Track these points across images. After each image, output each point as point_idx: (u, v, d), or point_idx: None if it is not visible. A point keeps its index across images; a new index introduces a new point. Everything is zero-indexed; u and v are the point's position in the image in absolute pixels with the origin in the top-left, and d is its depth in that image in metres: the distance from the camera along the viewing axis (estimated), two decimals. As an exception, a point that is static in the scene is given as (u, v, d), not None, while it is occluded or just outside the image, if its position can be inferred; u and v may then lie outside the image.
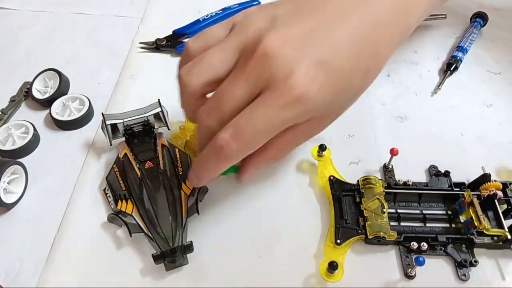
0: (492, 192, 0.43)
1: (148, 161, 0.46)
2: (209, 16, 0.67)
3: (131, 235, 0.42)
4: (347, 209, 0.44)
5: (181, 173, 0.46)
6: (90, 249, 0.44)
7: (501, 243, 0.42)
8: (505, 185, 0.45)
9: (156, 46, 0.63)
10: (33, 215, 0.46)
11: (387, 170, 0.48)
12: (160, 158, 0.46)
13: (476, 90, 0.58)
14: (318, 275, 0.40)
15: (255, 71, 0.33)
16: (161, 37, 0.64)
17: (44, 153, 0.52)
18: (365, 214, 0.43)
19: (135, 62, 0.62)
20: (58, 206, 0.47)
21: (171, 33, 0.65)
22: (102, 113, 0.49)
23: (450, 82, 0.59)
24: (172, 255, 0.40)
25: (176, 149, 0.49)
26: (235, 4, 0.69)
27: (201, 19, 0.66)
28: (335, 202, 0.45)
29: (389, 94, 0.58)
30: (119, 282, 0.42)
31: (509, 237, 0.41)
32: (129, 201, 0.44)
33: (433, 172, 0.48)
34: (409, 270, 0.41)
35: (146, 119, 0.49)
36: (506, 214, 0.43)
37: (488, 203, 0.43)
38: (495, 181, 0.44)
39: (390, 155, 0.47)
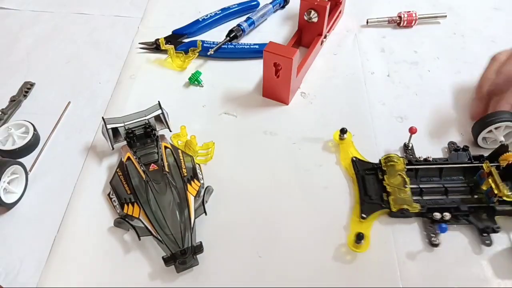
0: (510, 162, 0.44)
1: (153, 164, 0.46)
2: (208, 16, 0.67)
3: (139, 238, 0.42)
4: (370, 186, 0.46)
5: (185, 174, 0.46)
6: (91, 249, 0.44)
7: None
8: None
9: (156, 46, 0.63)
10: (33, 215, 0.46)
11: (407, 148, 0.50)
12: (165, 160, 0.46)
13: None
14: (347, 246, 0.43)
15: None
16: (161, 37, 0.64)
17: (44, 153, 0.52)
18: (388, 190, 0.45)
19: (135, 62, 0.62)
20: (58, 206, 0.47)
21: (171, 33, 0.65)
22: (103, 118, 0.49)
23: (451, 82, 0.59)
24: (182, 256, 0.40)
25: (179, 151, 0.49)
26: (234, 4, 0.69)
27: (200, 19, 0.66)
28: (358, 181, 0.47)
29: (389, 94, 0.58)
30: (121, 283, 0.42)
31: None
32: (135, 204, 0.44)
33: (452, 147, 0.50)
34: (432, 239, 0.42)
35: (147, 122, 0.49)
36: None
37: (507, 173, 0.44)
38: None
39: (409, 134, 0.49)
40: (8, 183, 0.46)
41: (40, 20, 0.69)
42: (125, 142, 0.49)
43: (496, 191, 0.43)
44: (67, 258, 0.43)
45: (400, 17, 0.66)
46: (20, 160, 0.49)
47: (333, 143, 0.52)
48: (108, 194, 0.47)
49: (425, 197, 0.46)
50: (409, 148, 0.50)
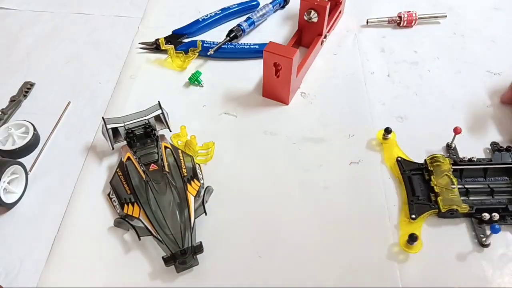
0: None
1: (153, 164, 0.46)
2: (208, 16, 0.67)
3: (139, 238, 0.42)
4: (417, 186, 0.46)
5: (185, 174, 0.46)
6: (91, 249, 0.44)
7: None
8: None
9: (156, 46, 0.63)
10: (33, 215, 0.46)
11: (450, 148, 0.50)
12: (165, 160, 0.46)
13: (476, 90, 0.58)
14: (399, 245, 0.43)
15: None
16: (161, 37, 0.64)
17: (44, 153, 0.52)
18: (436, 190, 0.45)
19: (135, 62, 0.62)
20: (58, 206, 0.47)
21: (171, 33, 0.65)
22: (103, 118, 0.49)
23: (451, 82, 0.59)
24: (182, 256, 0.40)
25: (179, 151, 0.49)
26: (234, 4, 0.69)
27: (200, 19, 0.66)
28: (405, 181, 0.47)
29: (389, 94, 0.58)
30: (121, 283, 0.42)
31: None
32: (135, 204, 0.44)
33: (495, 148, 0.50)
34: (483, 239, 0.42)
35: (147, 122, 0.49)
36: None
37: None
38: None
39: (453, 134, 0.49)
40: (8, 183, 0.46)
41: (40, 20, 0.69)
42: (125, 142, 0.49)
43: None
44: (67, 258, 0.43)
45: (400, 17, 0.66)
46: (20, 160, 0.49)
47: (376, 141, 0.52)
48: (108, 194, 0.47)
49: (471, 198, 0.46)
50: (452, 148, 0.50)
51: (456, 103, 0.57)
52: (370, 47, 0.64)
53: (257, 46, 0.62)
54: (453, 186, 0.45)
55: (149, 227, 0.42)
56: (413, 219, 0.44)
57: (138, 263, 0.43)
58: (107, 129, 0.48)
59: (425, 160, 0.48)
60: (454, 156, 0.50)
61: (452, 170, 0.46)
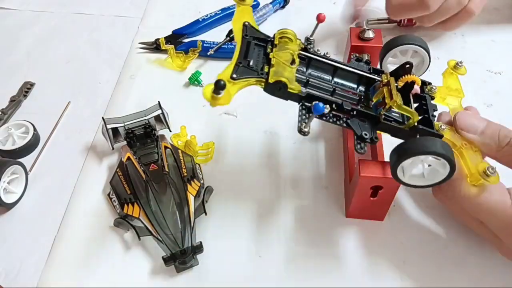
0: (410, 81, 0.40)
1: (152, 164, 0.46)
2: (208, 16, 0.67)
3: (139, 238, 0.42)
4: (253, 54, 0.40)
5: (185, 174, 0.46)
6: (91, 249, 0.44)
7: (407, 129, 0.39)
8: (424, 83, 0.43)
9: (156, 46, 0.63)
10: (33, 215, 0.46)
11: (307, 40, 0.44)
12: (165, 160, 0.46)
13: (476, 90, 0.58)
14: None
15: None
16: (161, 37, 0.64)
17: (44, 153, 0.52)
18: (271, 62, 0.39)
19: (135, 62, 0.62)
20: (58, 206, 0.47)
21: (171, 33, 0.65)
22: (103, 118, 0.49)
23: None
24: (182, 256, 0.40)
25: (179, 151, 0.49)
26: (234, 4, 0.69)
27: (200, 19, 0.66)
28: (242, 44, 0.40)
29: (389, 93, 0.58)
30: (121, 283, 0.42)
31: (416, 123, 0.38)
32: (135, 204, 0.44)
33: (355, 57, 0.44)
34: (303, 125, 0.37)
35: (147, 122, 0.49)
36: (416, 110, 0.40)
37: (402, 94, 0.40)
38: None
39: (316, 22, 0.43)
40: (8, 183, 0.46)
41: (40, 20, 0.69)
42: (125, 142, 0.49)
43: (388, 101, 0.38)
44: (67, 258, 0.43)
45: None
46: (20, 160, 0.49)
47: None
48: (108, 194, 0.47)
49: (307, 89, 0.40)
50: (311, 41, 0.44)
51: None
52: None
53: (257, 46, 0.62)
54: (292, 65, 0.39)
55: (149, 227, 0.42)
56: (233, 78, 0.37)
57: (138, 263, 0.43)
58: (107, 129, 0.48)
59: (274, 34, 0.42)
60: (310, 45, 0.43)
61: (299, 54, 0.40)
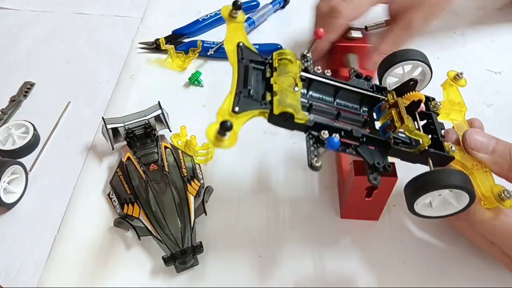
0: (417, 100, 0.38)
1: (152, 164, 0.46)
2: (208, 16, 0.67)
3: (139, 238, 0.42)
4: (253, 81, 0.37)
5: (185, 174, 0.46)
6: (91, 249, 0.44)
7: (417, 153, 0.37)
8: (427, 99, 0.42)
9: (156, 46, 0.63)
10: (33, 215, 0.46)
11: (304, 57, 0.41)
12: (165, 160, 0.46)
13: (477, 90, 0.58)
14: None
15: None
16: (161, 37, 0.64)
17: (44, 153, 0.52)
18: (274, 89, 0.36)
19: (135, 62, 0.62)
20: (58, 206, 0.47)
21: (171, 33, 0.65)
22: (103, 118, 0.49)
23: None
24: (182, 256, 0.40)
25: (179, 151, 0.49)
26: (235, 4, 0.69)
27: (200, 19, 0.66)
28: (240, 69, 0.37)
29: (389, 93, 0.58)
30: (121, 283, 0.42)
31: (426, 147, 0.36)
32: (135, 204, 0.44)
33: (354, 73, 0.42)
34: (314, 159, 0.35)
35: (147, 122, 0.49)
36: (424, 129, 0.39)
37: (409, 112, 0.38)
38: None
39: (314, 38, 0.40)
40: (8, 183, 0.46)
41: (40, 20, 0.69)
42: (125, 142, 0.49)
43: (397, 124, 0.36)
44: (67, 258, 0.43)
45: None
46: (20, 160, 0.49)
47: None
48: (108, 194, 0.47)
49: (312, 115, 0.37)
50: (307, 58, 0.41)
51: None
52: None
53: (257, 46, 0.62)
54: (296, 89, 0.36)
55: (149, 227, 0.42)
56: (235, 112, 0.33)
57: (138, 263, 0.43)
58: (107, 129, 0.48)
59: (271, 55, 0.39)
60: (307, 63, 0.41)
61: (300, 76, 0.38)
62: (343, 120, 0.39)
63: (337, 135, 0.34)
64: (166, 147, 0.48)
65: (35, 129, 0.52)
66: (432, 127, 0.40)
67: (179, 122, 0.52)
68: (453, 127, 0.42)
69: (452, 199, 0.36)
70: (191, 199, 0.44)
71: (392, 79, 0.46)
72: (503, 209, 0.37)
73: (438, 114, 0.41)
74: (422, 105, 0.39)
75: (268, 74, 0.38)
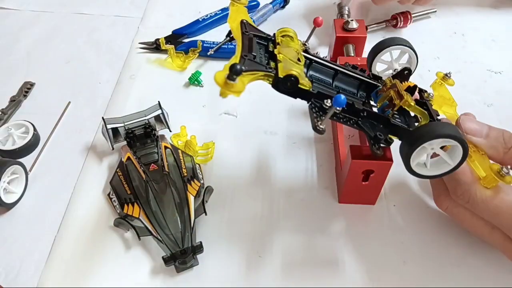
0: (413, 85, 0.40)
1: (153, 164, 0.46)
2: (208, 16, 0.67)
3: (139, 238, 0.42)
4: (258, 50, 0.38)
5: (185, 174, 0.46)
6: (91, 249, 0.44)
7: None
8: (421, 90, 0.43)
9: (156, 46, 0.63)
10: (33, 215, 0.46)
11: (305, 45, 0.42)
12: (165, 160, 0.46)
13: (477, 89, 0.58)
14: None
15: None
16: (161, 37, 0.64)
17: (44, 153, 0.52)
18: (278, 59, 0.36)
19: (135, 62, 0.62)
20: (58, 206, 0.47)
21: (171, 33, 0.65)
22: (103, 118, 0.49)
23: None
24: (182, 256, 0.40)
25: (179, 151, 0.49)
26: (235, 4, 0.69)
27: (200, 19, 0.66)
28: (244, 39, 0.38)
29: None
30: (121, 283, 0.42)
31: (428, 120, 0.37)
32: (135, 204, 0.44)
33: (350, 66, 0.44)
34: (318, 122, 0.35)
35: (147, 122, 0.49)
36: (416, 119, 0.40)
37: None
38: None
39: (313, 26, 0.42)
40: (8, 183, 0.46)
41: (40, 20, 0.69)
42: (125, 142, 0.49)
43: (397, 102, 0.37)
44: (67, 258, 0.43)
45: (396, 18, 0.66)
46: (20, 160, 0.49)
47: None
48: (108, 194, 0.47)
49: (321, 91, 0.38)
50: (307, 46, 0.42)
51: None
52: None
53: (257, 46, 0.62)
54: (299, 62, 0.37)
55: (149, 227, 0.42)
56: (241, 70, 0.32)
57: (138, 263, 0.43)
58: (107, 129, 0.48)
59: (274, 33, 0.40)
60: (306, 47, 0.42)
61: (301, 53, 0.39)
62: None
63: (343, 96, 0.34)
64: (166, 147, 0.48)
65: (35, 129, 0.52)
66: (428, 113, 0.40)
67: (179, 122, 0.52)
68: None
69: (445, 157, 0.37)
70: (191, 199, 0.44)
71: (381, 67, 0.47)
72: (502, 187, 0.37)
73: (431, 105, 0.42)
74: (417, 94, 0.41)
75: (271, 49, 0.38)
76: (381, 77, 0.43)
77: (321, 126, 0.35)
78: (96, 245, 0.44)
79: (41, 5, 0.71)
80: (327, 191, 0.48)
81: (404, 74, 0.41)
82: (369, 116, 0.38)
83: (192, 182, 0.45)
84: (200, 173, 0.48)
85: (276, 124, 0.54)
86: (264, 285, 0.41)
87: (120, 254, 0.43)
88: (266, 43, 0.39)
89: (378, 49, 0.45)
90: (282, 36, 0.40)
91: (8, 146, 0.51)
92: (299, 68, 0.36)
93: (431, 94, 0.43)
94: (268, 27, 0.68)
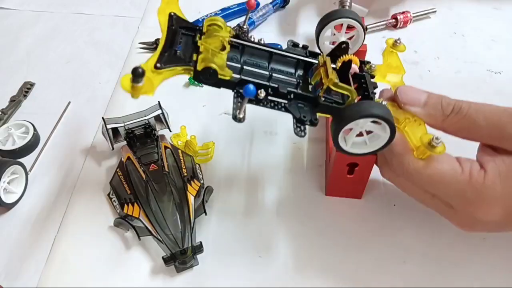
0: (347, 60, 0.39)
1: (152, 164, 0.46)
2: (208, 16, 0.66)
3: (139, 238, 0.42)
4: (182, 44, 0.38)
5: (185, 174, 0.46)
6: (91, 249, 0.44)
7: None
8: (362, 62, 0.42)
9: (156, 46, 0.63)
10: (33, 215, 0.46)
11: (241, 28, 0.42)
12: (164, 160, 0.46)
13: (476, 89, 0.58)
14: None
15: None
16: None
17: (44, 153, 0.52)
18: (200, 50, 0.36)
19: (135, 62, 0.62)
20: (58, 206, 0.47)
21: (171, 33, 0.65)
22: (103, 118, 0.49)
23: (451, 82, 0.59)
24: (182, 256, 0.40)
25: (179, 151, 0.49)
26: (234, 5, 0.69)
27: (200, 19, 0.66)
28: (168, 33, 0.38)
29: (389, 93, 0.58)
30: (121, 283, 0.42)
31: (356, 99, 0.37)
32: (135, 204, 0.44)
33: (291, 43, 0.43)
34: (237, 112, 0.36)
35: (147, 122, 0.49)
36: (357, 90, 0.39)
37: (340, 75, 0.38)
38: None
39: (247, 9, 0.42)
40: (8, 183, 0.46)
41: (40, 20, 0.69)
42: (125, 142, 0.49)
43: (324, 80, 0.37)
44: (67, 258, 0.43)
45: (395, 19, 0.66)
46: (20, 160, 0.49)
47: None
48: (108, 194, 0.47)
49: (243, 77, 0.38)
50: (244, 31, 0.42)
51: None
52: (371, 50, 0.64)
53: (257, 46, 0.62)
54: (222, 52, 0.37)
55: (149, 227, 0.42)
56: (157, 68, 0.34)
57: (138, 263, 0.43)
58: (107, 129, 0.48)
59: (203, 23, 0.40)
60: (243, 34, 0.41)
61: (229, 41, 0.38)
62: (275, 82, 0.39)
63: (263, 90, 0.36)
64: (166, 147, 0.48)
65: (35, 129, 0.52)
66: (364, 86, 0.40)
67: (179, 122, 0.52)
68: (390, 88, 0.42)
69: (379, 132, 0.36)
70: (191, 199, 0.44)
71: (328, 46, 0.48)
72: (436, 156, 0.36)
73: (373, 77, 0.42)
74: (356, 67, 0.40)
75: (197, 39, 0.38)
76: (318, 54, 0.42)
77: (240, 116, 0.36)
78: (96, 245, 0.44)
79: (41, 5, 0.71)
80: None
81: (342, 48, 0.41)
82: (296, 98, 0.38)
83: (192, 182, 0.45)
84: (200, 173, 0.48)
85: (276, 124, 0.54)
86: (265, 285, 0.41)
87: (120, 254, 0.43)
88: (193, 34, 0.39)
89: (324, 22, 0.45)
90: (209, 25, 0.39)
91: (8, 146, 0.51)
92: (221, 59, 0.36)
93: (373, 66, 0.42)
94: (268, 27, 0.68)
